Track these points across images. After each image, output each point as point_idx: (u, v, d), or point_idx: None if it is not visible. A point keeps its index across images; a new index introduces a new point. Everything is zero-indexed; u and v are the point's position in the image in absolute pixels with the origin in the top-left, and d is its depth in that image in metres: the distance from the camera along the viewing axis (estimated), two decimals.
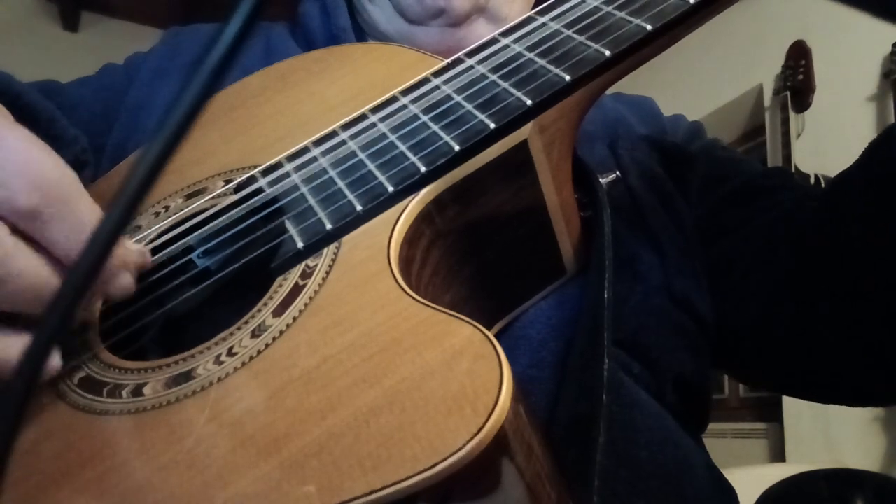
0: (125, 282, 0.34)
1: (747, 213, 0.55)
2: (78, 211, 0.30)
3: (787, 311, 0.49)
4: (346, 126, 0.42)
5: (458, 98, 0.40)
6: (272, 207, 0.39)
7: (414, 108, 0.41)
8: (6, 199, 0.29)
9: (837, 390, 0.51)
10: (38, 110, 0.49)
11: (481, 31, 0.58)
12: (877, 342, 0.45)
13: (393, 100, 0.42)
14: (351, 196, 0.37)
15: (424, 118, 0.40)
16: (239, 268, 0.38)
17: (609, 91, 0.47)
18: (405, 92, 0.42)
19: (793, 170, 1.89)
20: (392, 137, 0.39)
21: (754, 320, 0.51)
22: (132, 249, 0.35)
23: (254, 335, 0.33)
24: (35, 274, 0.30)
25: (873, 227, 0.42)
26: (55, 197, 0.30)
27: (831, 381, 0.50)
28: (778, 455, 1.88)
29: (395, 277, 0.33)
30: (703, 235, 0.55)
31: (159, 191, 0.44)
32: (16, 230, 0.30)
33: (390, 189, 0.36)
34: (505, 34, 0.43)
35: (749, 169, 0.60)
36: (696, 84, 2.45)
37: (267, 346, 0.32)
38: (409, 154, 0.38)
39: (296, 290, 0.35)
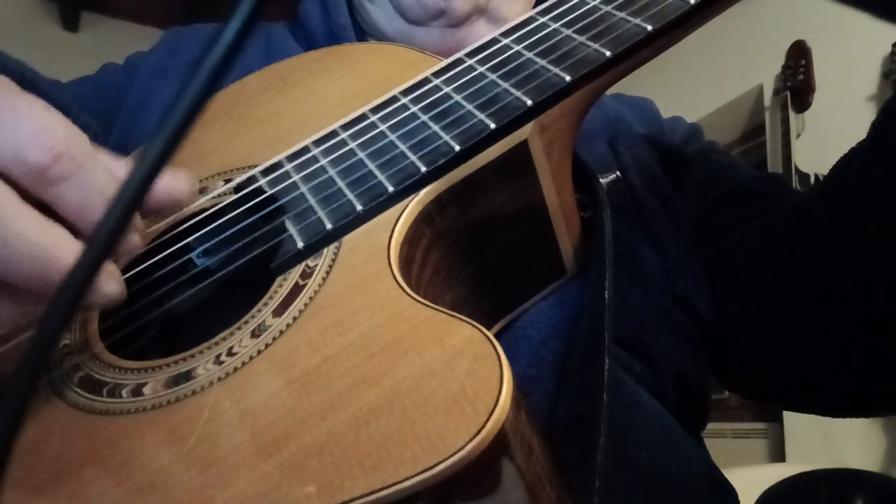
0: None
1: (744, 215, 0.55)
2: (91, 175, 0.30)
3: (784, 312, 0.49)
4: (346, 126, 0.42)
5: (458, 98, 0.40)
6: (272, 207, 0.39)
7: (414, 108, 0.41)
8: (18, 159, 0.29)
9: (836, 395, 0.51)
10: (52, 97, 0.49)
11: (482, 31, 0.58)
12: (876, 344, 0.44)
13: (393, 100, 0.42)
14: (351, 196, 0.37)
15: (424, 118, 0.39)
16: (238, 267, 0.38)
17: (609, 91, 0.47)
18: (405, 92, 0.42)
19: (793, 170, 1.89)
20: (392, 137, 0.39)
21: (752, 321, 0.51)
22: (175, 177, 0.34)
23: (254, 335, 0.33)
24: (36, 236, 0.28)
25: (875, 220, 0.41)
26: (68, 158, 0.29)
27: (830, 384, 0.50)
28: (778, 455, 1.88)
29: (395, 277, 0.33)
30: (699, 237, 0.55)
31: None
32: (27, 197, 0.29)
33: (390, 189, 0.36)
34: (505, 34, 0.43)
35: (744, 174, 0.60)
36: (696, 84, 2.45)
37: (267, 346, 0.32)
38: (409, 154, 0.38)
39: (296, 290, 0.35)
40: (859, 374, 0.47)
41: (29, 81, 0.48)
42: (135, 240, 0.33)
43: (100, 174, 0.30)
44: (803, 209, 0.49)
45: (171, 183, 0.34)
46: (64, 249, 0.29)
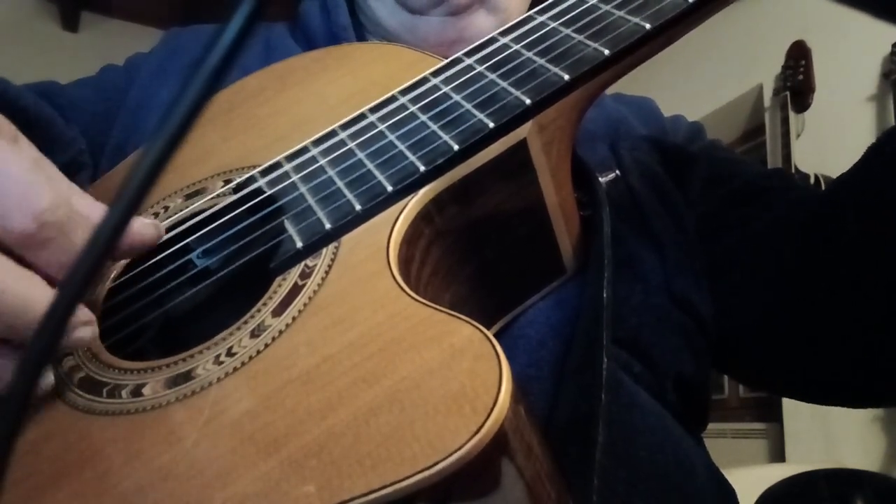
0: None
1: (747, 214, 0.55)
2: (74, 238, 0.31)
3: (787, 310, 0.49)
4: (344, 126, 0.42)
5: (456, 97, 0.40)
6: (271, 207, 0.39)
7: (413, 108, 0.41)
8: (2, 224, 0.29)
9: (838, 390, 0.51)
10: (35, 113, 0.49)
11: (481, 21, 0.58)
12: (877, 341, 0.44)
13: (392, 99, 0.42)
14: (350, 195, 0.37)
15: (423, 117, 0.40)
16: (238, 268, 0.38)
17: (609, 91, 0.47)
18: (404, 91, 0.42)
19: (793, 170, 1.89)
20: (391, 137, 0.39)
21: (756, 319, 0.51)
22: (145, 223, 0.36)
23: (253, 335, 0.33)
24: (19, 292, 0.29)
25: (876, 221, 0.41)
26: (51, 224, 0.30)
27: (832, 380, 0.50)
28: (778, 455, 1.88)
29: (394, 277, 0.33)
30: (703, 236, 0.55)
31: (159, 191, 0.44)
32: (5, 251, 0.30)
33: (389, 188, 0.36)
34: (504, 33, 0.43)
35: (749, 170, 0.60)
36: (696, 84, 2.45)
37: (266, 346, 0.32)
38: (407, 153, 0.38)
39: (295, 290, 0.35)
40: (861, 370, 0.47)
41: (11, 98, 0.47)
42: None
43: (80, 236, 0.31)
44: (808, 208, 0.49)
45: (141, 229, 0.36)
46: (40, 302, 0.29)
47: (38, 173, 0.31)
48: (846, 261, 0.44)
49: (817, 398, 0.54)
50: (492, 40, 0.43)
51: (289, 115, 0.47)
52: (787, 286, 0.49)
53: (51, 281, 0.31)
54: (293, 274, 0.35)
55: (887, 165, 0.42)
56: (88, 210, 0.32)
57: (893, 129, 0.43)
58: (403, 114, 0.41)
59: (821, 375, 0.50)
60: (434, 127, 0.39)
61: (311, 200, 0.38)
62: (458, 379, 0.27)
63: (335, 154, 0.40)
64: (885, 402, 0.53)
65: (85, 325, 0.32)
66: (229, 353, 0.33)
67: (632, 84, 0.53)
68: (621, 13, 0.40)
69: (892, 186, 0.41)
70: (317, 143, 0.42)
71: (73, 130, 0.53)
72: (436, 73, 0.42)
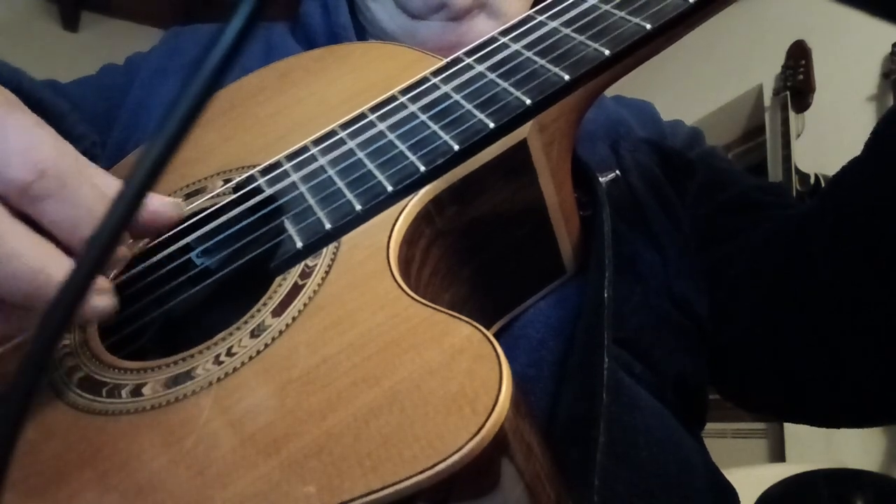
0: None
1: (740, 225, 0.55)
2: (77, 191, 0.30)
3: (782, 323, 0.49)
4: (345, 125, 0.42)
5: (457, 97, 0.40)
6: (271, 207, 0.39)
7: (413, 108, 0.41)
8: (1, 175, 0.29)
9: (832, 407, 0.50)
10: (48, 106, 0.49)
11: (482, 26, 0.58)
12: (872, 356, 0.44)
13: (392, 99, 0.42)
14: (350, 195, 0.37)
15: (423, 117, 0.39)
16: (238, 267, 0.38)
17: (609, 91, 0.47)
18: (404, 91, 0.42)
19: (792, 170, 1.89)
20: (391, 136, 0.39)
21: (751, 331, 0.51)
22: (166, 200, 0.36)
23: (253, 335, 0.33)
24: (31, 256, 0.29)
25: (871, 233, 0.41)
26: (52, 175, 0.29)
27: (826, 395, 0.49)
28: (778, 455, 1.88)
29: (394, 277, 0.33)
30: (700, 239, 0.55)
31: (158, 190, 0.44)
32: (16, 213, 0.30)
33: (389, 188, 0.36)
34: (504, 33, 0.43)
35: (745, 181, 0.60)
36: (696, 84, 2.45)
37: (266, 346, 0.32)
38: (408, 153, 0.38)
39: (295, 290, 0.35)
40: (855, 386, 0.47)
41: (26, 91, 0.47)
42: (120, 251, 0.34)
43: (86, 191, 0.30)
44: (802, 222, 0.49)
45: (159, 205, 0.35)
46: (54, 267, 0.29)
47: (41, 129, 0.30)
48: (838, 276, 0.44)
49: (811, 416, 0.53)
50: (492, 40, 0.43)
51: (289, 114, 0.47)
52: (781, 300, 0.49)
53: (60, 244, 0.30)
54: (293, 274, 0.35)
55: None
56: (95, 171, 0.32)
57: (874, 139, 0.42)
58: (404, 114, 0.41)
59: (816, 389, 0.49)
60: (434, 127, 0.39)
61: (311, 200, 0.38)
62: (458, 379, 0.27)
63: (335, 153, 0.40)
64: (880, 420, 0.52)
65: (102, 294, 0.31)
66: (229, 353, 0.33)
67: (632, 84, 0.53)
68: (622, 14, 0.40)
69: (872, 201, 0.41)
70: (317, 142, 0.42)
71: (83, 126, 0.53)
72: (436, 73, 0.42)
